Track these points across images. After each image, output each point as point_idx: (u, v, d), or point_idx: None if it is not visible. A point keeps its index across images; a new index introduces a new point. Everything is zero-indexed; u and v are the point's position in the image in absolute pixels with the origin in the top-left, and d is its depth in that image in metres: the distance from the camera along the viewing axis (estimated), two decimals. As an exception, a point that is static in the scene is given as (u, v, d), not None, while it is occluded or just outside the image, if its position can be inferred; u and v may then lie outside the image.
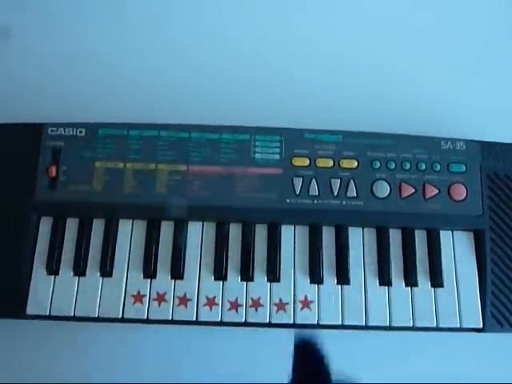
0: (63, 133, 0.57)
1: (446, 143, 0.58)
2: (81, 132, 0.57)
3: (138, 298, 0.54)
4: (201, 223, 0.57)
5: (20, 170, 0.56)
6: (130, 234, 0.56)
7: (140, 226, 0.56)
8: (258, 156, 0.57)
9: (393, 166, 0.57)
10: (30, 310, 0.53)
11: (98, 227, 0.56)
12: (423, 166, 0.57)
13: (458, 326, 0.54)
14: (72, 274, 0.55)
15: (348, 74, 0.65)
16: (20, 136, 0.57)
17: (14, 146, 0.57)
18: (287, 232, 0.56)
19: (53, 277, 0.55)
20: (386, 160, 0.57)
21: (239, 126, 0.58)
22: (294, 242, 0.56)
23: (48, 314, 0.53)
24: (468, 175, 0.57)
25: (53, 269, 0.55)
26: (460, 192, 0.57)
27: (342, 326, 0.54)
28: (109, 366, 0.55)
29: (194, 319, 0.53)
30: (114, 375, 0.55)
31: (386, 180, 0.57)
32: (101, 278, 0.55)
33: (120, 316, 0.54)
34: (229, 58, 0.66)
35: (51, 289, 0.54)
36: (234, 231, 0.56)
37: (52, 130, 0.57)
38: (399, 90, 0.64)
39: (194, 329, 0.55)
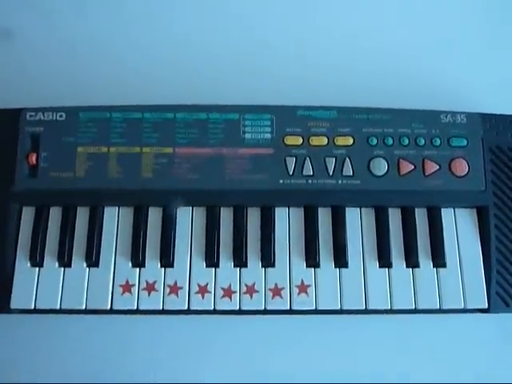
0: (42, 118, 0.55)
1: (446, 116, 0.55)
2: (61, 116, 0.55)
3: (127, 287, 0.52)
4: (190, 208, 0.54)
5: (-1, 158, 0.54)
6: (116, 222, 0.54)
7: (126, 213, 0.54)
8: (248, 136, 0.55)
9: (390, 142, 0.55)
10: (14, 304, 0.51)
11: (82, 215, 0.54)
12: (422, 141, 0.55)
13: (463, 306, 0.52)
14: (57, 265, 0.53)
15: (342, 47, 0.62)
16: (-3, 122, 0.54)
17: (-9, 132, 0.54)
18: (281, 214, 0.54)
19: (37, 269, 0.52)
20: (383, 136, 0.55)
21: (227, 104, 0.55)
22: (289, 225, 0.54)
23: (33, 307, 0.51)
24: (470, 149, 0.55)
25: (37, 260, 0.52)
26: (462, 167, 0.54)
27: (341, 311, 0.52)
28: (99, 359, 0.53)
29: (186, 308, 0.51)
30: (105, 369, 0.53)
31: (383, 157, 0.54)
32: (87, 269, 0.53)
33: (108, 307, 0.51)
34: (215, 34, 0.63)
35: (36, 281, 0.52)
36: (226, 215, 0.54)
37: (30, 115, 0.55)
38: (395, 64, 0.62)
39: (188, 318, 0.52)
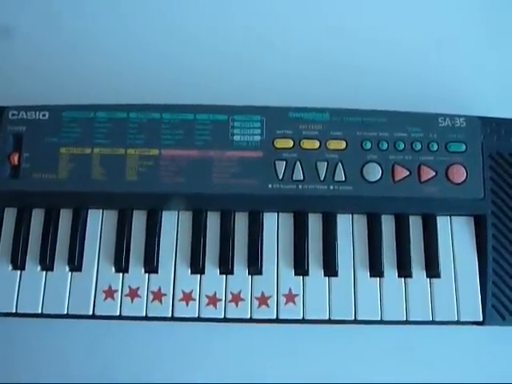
0: (25, 116, 0.54)
1: (444, 120, 0.53)
2: (44, 115, 0.54)
3: (110, 293, 0.51)
4: (176, 212, 0.53)
5: (-20, 158, 0.53)
6: (99, 225, 0.53)
7: (110, 216, 0.53)
8: (236, 138, 0.53)
9: (385, 146, 0.53)
10: (-6, 308, 0.51)
11: (65, 218, 0.53)
12: (419, 146, 0.53)
13: (456, 319, 0.50)
14: (39, 268, 0.52)
15: (336, 47, 0.61)
16: (-22, 121, 0.53)
17: (-27, 131, 0.53)
18: (270, 220, 0.53)
19: (18, 272, 0.52)
20: (378, 140, 0.53)
21: (216, 105, 0.53)
22: (278, 231, 0.53)
23: (14, 311, 0.51)
24: (468, 155, 0.53)
25: (18, 263, 0.52)
26: (459, 174, 0.52)
27: (330, 321, 0.51)
28: (80, 363, 0.53)
29: (170, 315, 0.51)
30: (86, 373, 0.52)
31: (377, 162, 0.53)
32: (69, 273, 0.52)
33: (91, 313, 0.51)
34: (205, 32, 0.61)
35: (17, 284, 0.52)
36: (212, 220, 0.53)
37: (13, 114, 0.54)
38: (392, 64, 0.60)
39: (172, 324, 0.52)
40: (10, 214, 0.53)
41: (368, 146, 0.53)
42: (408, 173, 0.53)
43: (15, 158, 0.53)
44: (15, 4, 0.62)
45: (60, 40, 0.61)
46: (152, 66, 0.60)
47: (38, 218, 0.53)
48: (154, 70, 0.59)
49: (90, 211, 0.53)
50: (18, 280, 0.52)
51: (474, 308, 0.51)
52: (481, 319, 0.50)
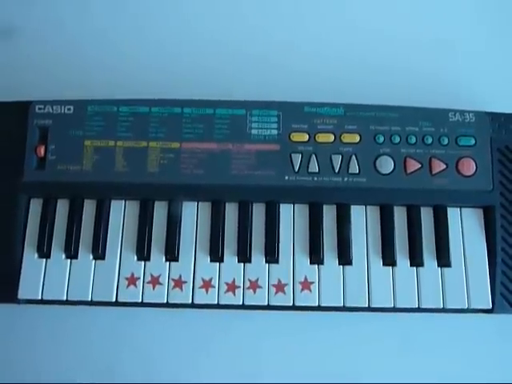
0: (51, 111, 0.57)
1: (455, 115, 0.56)
2: (69, 109, 0.57)
3: (132, 280, 0.54)
4: (195, 203, 0.56)
5: (7, 150, 0.56)
6: (122, 215, 0.56)
7: (133, 207, 0.56)
8: (254, 132, 0.56)
9: (397, 140, 0.56)
10: (21, 294, 0.54)
11: (89, 208, 0.56)
12: (430, 140, 0.56)
13: (466, 306, 0.53)
14: (64, 256, 0.55)
15: (349, 44, 0.64)
16: (6, 115, 0.57)
17: (0, 125, 0.56)
18: (286, 211, 0.56)
19: (44, 260, 0.55)
20: (391, 134, 0.56)
21: (234, 100, 0.57)
22: (293, 222, 0.56)
23: (40, 298, 0.54)
24: (477, 149, 0.56)
25: (44, 252, 0.55)
26: (469, 167, 0.55)
27: (344, 308, 0.53)
28: (102, 351, 0.56)
29: (190, 302, 0.53)
30: (108, 360, 0.55)
31: (390, 155, 0.56)
32: (93, 261, 0.55)
33: (114, 300, 0.54)
34: (223, 30, 0.64)
35: (43, 272, 0.54)
36: (231, 211, 0.56)
37: (39, 108, 0.57)
38: (404, 61, 0.63)
39: (192, 311, 0.54)
40: (36, 204, 0.56)
41: (381, 139, 0.56)
42: (420, 165, 0.55)
43: (41, 151, 0.56)
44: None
45: (73, 38, 0.64)
46: (174, 63, 0.63)
47: (63, 208, 0.56)
48: (176, 67, 0.62)
49: (112, 201, 0.56)
50: (43, 268, 0.55)
51: (483, 296, 0.53)
52: (490, 307, 0.53)
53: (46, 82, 0.61)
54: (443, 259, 0.54)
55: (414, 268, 0.54)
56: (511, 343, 0.55)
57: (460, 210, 0.56)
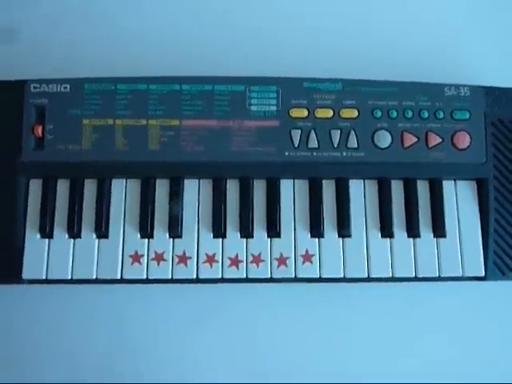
0: (47, 89, 0.56)
1: (450, 89, 0.58)
2: (65, 88, 0.56)
3: (136, 258, 0.55)
4: (197, 180, 0.57)
5: (4, 131, 0.56)
6: (124, 194, 0.57)
7: (134, 185, 0.57)
8: (253, 108, 0.57)
9: (394, 114, 0.57)
10: (25, 275, 0.54)
11: (90, 187, 0.56)
12: (426, 114, 0.57)
13: (461, 275, 0.55)
14: (67, 236, 0.55)
15: (347, 19, 0.64)
16: (2, 94, 0.56)
17: (-4, 104, 0.56)
18: (286, 186, 0.57)
19: (47, 240, 0.55)
20: (388, 108, 0.57)
21: (233, 76, 0.57)
22: (294, 197, 0.57)
23: (45, 277, 0.54)
24: (472, 122, 0.57)
25: (46, 232, 0.55)
26: (464, 140, 0.57)
27: (345, 279, 0.55)
28: (108, 328, 0.57)
29: (195, 277, 0.55)
30: (114, 338, 0.56)
31: (387, 129, 0.57)
32: (97, 240, 0.55)
33: (119, 277, 0.55)
34: (222, 5, 0.64)
35: (46, 252, 0.55)
36: (232, 187, 0.57)
37: (35, 87, 0.56)
38: (401, 36, 0.63)
39: (196, 286, 0.56)
40: (36, 185, 0.56)
41: (378, 114, 0.57)
42: (416, 139, 0.57)
43: (39, 130, 0.56)
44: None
45: (76, 13, 0.63)
46: (170, 38, 0.62)
47: (63, 188, 0.56)
48: (172, 42, 0.62)
49: (114, 180, 0.57)
50: (46, 248, 0.55)
51: (476, 264, 0.56)
52: (483, 275, 0.56)
53: (41, 60, 0.60)
54: (439, 230, 0.56)
55: (411, 239, 0.56)
56: (502, 308, 0.58)
57: (455, 183, 0.58)
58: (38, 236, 0.55)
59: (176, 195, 0.56)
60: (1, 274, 0.54)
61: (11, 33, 0.60)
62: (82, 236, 0.55)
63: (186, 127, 0.56)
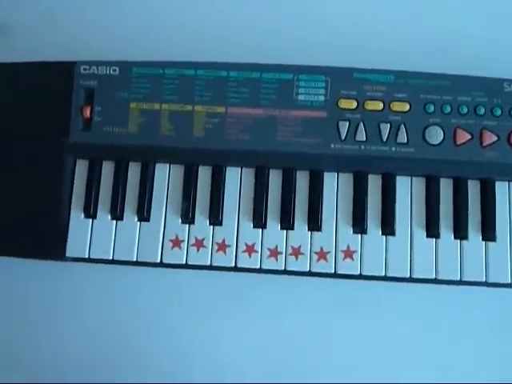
0: (96, 72, 0.57)
1: (510, 85, 0.55)
2: (114, 71, 0.57)
3: (177, 243, 0.55)
4: (239, 168, 0.56)
5: (53, 111, 0.57)
6: (167, 179, 0.57)
7: (177, 170, 0.57)
8: (301, 97, 0.56)
9: (448, 109, 0.55)
10: (69, 252, 0.56)
11: (134, 170, 0.57)
12: (482, 111, 0.55)
13: (509, 282, 0.53)
14: (109, 217, 0.56)
15: (401, 9, 0.61)
16: (51, 75, 0.57)
17: (47, 85, 0.57)
18: (330, 179, 0.56)
19: (90, 220, 0.56)
20: (441, 103, 0.55)
21: (281, 64, 0.56)
22: (337, 190, 0.56)
23: (87, 256, 0.56)
24: (532, 121, 0.54)
25: (90, 212, 0.56)
26: (521, 140, 0.54)
27: (386, 278, 0.54)
28: (146, 309, 0.58)
29: (233, 265, 0.55)
30: (151, 319, 0.57)
31: (439, 125, 0.55)
32: (138, 223, 0.56)
33: (158, 260, 0.55)
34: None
35: (89, 232, 0.56)
36: (274, 177, 0.56)
37: (84, 69, 0.57)
38: (457, 28, 0.60)
39: (232, 274, 0.56)
40: (82, 166, 0.57)
41: (431, 109, 0.55)
42: (470, 137, 0.55)
43: (87, 112, 0.56)
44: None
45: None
46: (220, 25, 0.62)
47: (108, 169, 0.57)
48: (222, 29, 0.61)
49: (157, 165, 0.57)
50: (90, 228, 0.56)
51: (526, 271, 0.53)
52: (533, 282, 0.53)
53: (92, 42, 0.60)
54: (489, 233, 0.54)
55: (458, 241, 0.54)
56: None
57: (508, 184, 0.55)
58: (82, 216, 0.57)
59: (218, 183, 0.56)
60: (46, 250, 0.56)
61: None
62: (125, 218, 0.56)
63: (231, 115, 0.56)
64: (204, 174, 0.57)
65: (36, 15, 0.63)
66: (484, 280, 0.54)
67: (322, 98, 0.56)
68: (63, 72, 0.57)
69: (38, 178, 0.56)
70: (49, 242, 0.56)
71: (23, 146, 0.57)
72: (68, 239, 0.56)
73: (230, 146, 0.56)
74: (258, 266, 0.55)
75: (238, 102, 0.56)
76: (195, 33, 0.62)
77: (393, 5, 0.62)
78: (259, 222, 0.55)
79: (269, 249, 0.55)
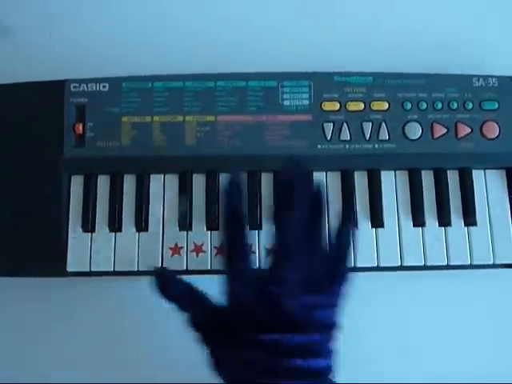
0: (86, 89, 0.59)
1: (478, 80, 0.59)
2: (104, 87, 0.59)
3: (176, 250, 0.57)
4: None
5: (46, 129, 0.58)
6: (162, 188, 0.59)
7: (172, 180, 0.59)
8: (286, 103, 0.59)
9: (424, 106, 0.59)
10: (70, 267, 0.57)
11: (129, 182, 0.59)
12: (455, 105, 0.59)
13: (492, 262, 0.57)
14: (108, 230, 0.58)
15: (374, 13, 0.65)
16: (42, 94, 0.58)
17: (38, 104, 0.58)
18: (319, 178, 0.59)
19: (89, 234, 0.58)
20: (418, 100, 0.59)
21: (265, 72, 0.59)
22: (327, 188, 0.59)
23: (89, 269, 0.57)
24: (501, 112, 0.59)
25: (88, 227, 0.58)
26: (493, 130, 0.59)
27: (378, 268, 0.57)
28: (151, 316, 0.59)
29: (232, 268, 0.57)
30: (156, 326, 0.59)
31: (417, 121, 0.59)
32: (137, 233, 0.58)
33: (159, 269, 0.57)
34: (251, 3, 0.65)
35: (89, 245, 0.57)
36: (266, 180, 0.59)
37: (74, 87, 0.59)
38: (428, 30, 0.65)
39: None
40: (78, 181, 0.59)
41: (408, 106, 0.59)
42: (446, 130, 0.59)
43: (80, 128, 0.58)
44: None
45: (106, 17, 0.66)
46: (203, 36, 0.64)
47: (103, 183, 0.59)
48: (206, 42, 0.64)
49: (152, 176, 0.59)
50: (89, 241, 0.58)
51: (507, 252, 0.57)
52: (513, 261, 0.57)
53: (80, 60, 0.62)
54: (469, 219, 0.58)
55: (443, 228, 0.58)
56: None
57: (484, 172, 0.59)
58: (81, 230, 0.58)
59: (212, 188, 0.58)
60: (46, 267, 0.57)
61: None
62: (123, 230, 0.58)
63: (221, 122, 0.58)
64: (198, 181, 0.59)
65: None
66: (469, 263, 0.57)
67: (306, 102, 0.59)
68: (53, 90, 0.58)
69: (34, 196, 0.57)
70: (49, 259, 0.57)
71: (17, 166, 0.58)
72: (68, 254, 0.57)
73: (222, 152, 0.58)
74: (257, 266, 0.57)
75: (226, 111, 0.58)
76: (182, 45, 0.64)
77: (365, 9, 0.66)
78: (255, 224, 0.58)
79: (265, 249, 0.57)
